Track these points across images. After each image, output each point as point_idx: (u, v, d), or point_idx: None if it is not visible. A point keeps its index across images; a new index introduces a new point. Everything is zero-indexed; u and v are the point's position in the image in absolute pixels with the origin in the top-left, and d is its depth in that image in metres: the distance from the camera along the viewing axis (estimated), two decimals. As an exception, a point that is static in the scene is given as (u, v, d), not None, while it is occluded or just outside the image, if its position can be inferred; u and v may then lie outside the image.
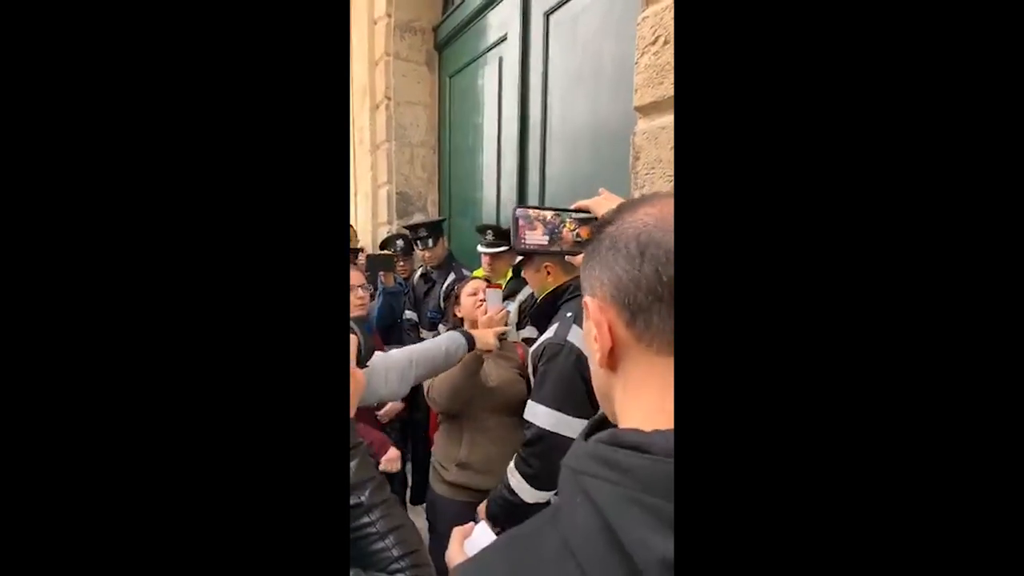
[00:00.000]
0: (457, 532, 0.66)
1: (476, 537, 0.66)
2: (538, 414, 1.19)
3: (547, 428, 1.16)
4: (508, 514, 1.25)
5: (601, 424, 0.42)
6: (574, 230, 0.72)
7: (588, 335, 0.39)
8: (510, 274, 2.13)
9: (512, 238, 0.69)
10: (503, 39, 2.22)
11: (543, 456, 1.16)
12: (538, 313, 1.38)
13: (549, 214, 0.71)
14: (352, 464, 0.63)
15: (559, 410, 1.16)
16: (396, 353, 1.17)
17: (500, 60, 2.26)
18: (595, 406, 1.22)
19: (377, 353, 1.12)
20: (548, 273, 1.33)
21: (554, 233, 0.70)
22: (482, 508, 1.31)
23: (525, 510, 1.21)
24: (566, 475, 0.35)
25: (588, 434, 0.38)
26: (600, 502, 0.30)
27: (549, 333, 1.25)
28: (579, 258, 0.68)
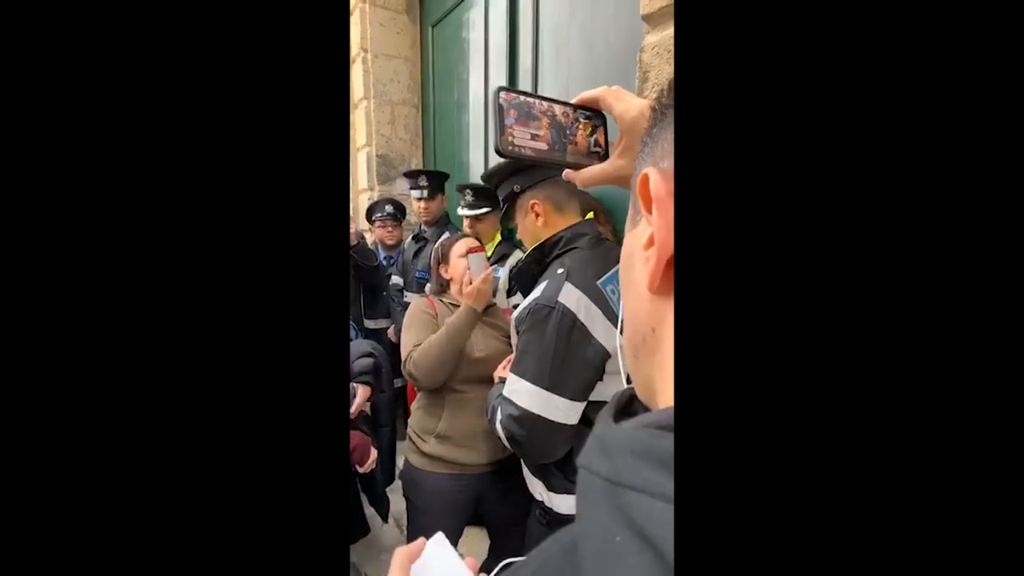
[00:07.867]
0: (400, 554, 0.49)
1: (428, 559, 0.49)
2: (521, 392, 0.94)
3: (532, 410, 0.92)
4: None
5: (632, 401, 0.28)
6: (591, 135, 0.48)
7: (635, 238, 0.27)
8: (498, 238, 1.95)
9: (496, 134, 0.45)
10: (489, -24, 2.00)
11: (526, 438, 0.95)
12: (522, 274, 1.08)
13: (558, 108, 0.47)
14: None
15: (545, 388, 0.92)
16: None
17: (486, 2, 2.04)
18: (590, 387, 0.98)
19: None
20: (537, 215, 1.03)
21: (564, 134, 0.47)
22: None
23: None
24: (593, 487, 0.21)
25: (619, 414, 0.26)
26: (666, 551, 0.16)
27: (536, 293, 0.99)
28: (588, 173, 0.47)
